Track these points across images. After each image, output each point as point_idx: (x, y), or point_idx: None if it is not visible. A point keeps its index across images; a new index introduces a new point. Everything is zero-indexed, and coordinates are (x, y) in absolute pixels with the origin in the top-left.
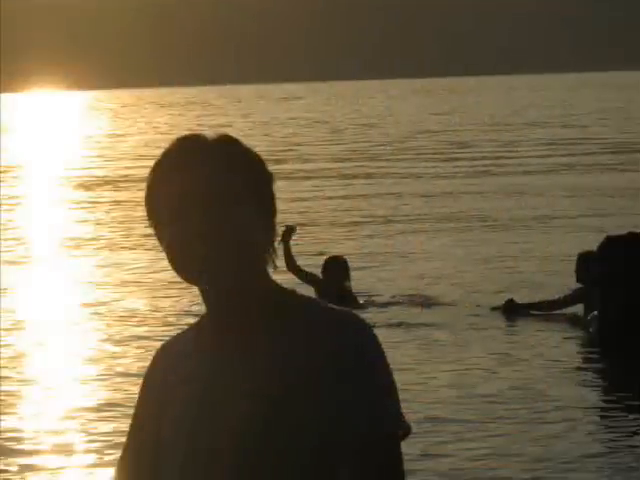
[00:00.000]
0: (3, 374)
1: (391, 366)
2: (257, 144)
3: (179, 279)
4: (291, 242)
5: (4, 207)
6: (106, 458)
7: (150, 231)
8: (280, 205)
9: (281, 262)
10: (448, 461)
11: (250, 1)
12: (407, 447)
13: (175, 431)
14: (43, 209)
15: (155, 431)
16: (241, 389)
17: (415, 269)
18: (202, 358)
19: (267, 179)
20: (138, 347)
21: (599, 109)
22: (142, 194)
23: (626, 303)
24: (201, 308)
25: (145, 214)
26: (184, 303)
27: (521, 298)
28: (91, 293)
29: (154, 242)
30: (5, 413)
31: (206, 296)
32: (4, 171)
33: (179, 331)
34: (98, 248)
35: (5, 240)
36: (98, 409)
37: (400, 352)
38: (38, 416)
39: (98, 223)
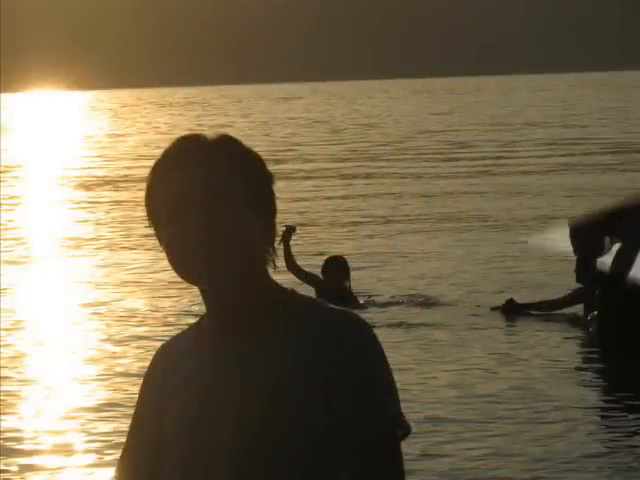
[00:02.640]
0: (3, 374)
1: (391, 366)
2: (257, 144)
3: (179, 279)
4: (291, 242)
5: (4, 207)
6: (106, 458)
7: (150, 231)
8: (280, 205)
9: (281, 262)
10: (448, 461)
11: (250, 1)
12: (407, 447)
13: (175, 431)
14: (43, 209)
15: (155, 431)
16: (240, 389)
17: (415, 269)
18: (202, 358)
19: (267, 179)
20: (138, 347)
21: (599, 109)
22: (142, 194)
23: (625, 303)
24: (201, 308)
25: (145, 214)
26: (184, 303)
27: (521, 298)
28: (91, 293)
29: (154, 242)
30: (5, 413)
31: (206, 296)
32: (4, 171)
33: (179, 331)
34: (98, 248)
35: (5, 240)
36: (98, 409)
37: (400, 352)
38: (38, 416)
39: (98, 223)
